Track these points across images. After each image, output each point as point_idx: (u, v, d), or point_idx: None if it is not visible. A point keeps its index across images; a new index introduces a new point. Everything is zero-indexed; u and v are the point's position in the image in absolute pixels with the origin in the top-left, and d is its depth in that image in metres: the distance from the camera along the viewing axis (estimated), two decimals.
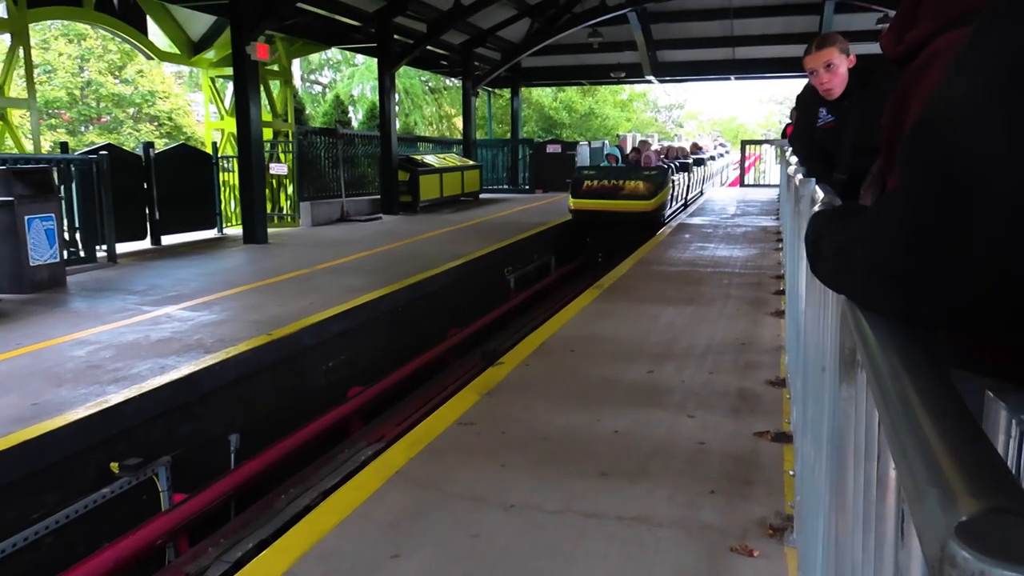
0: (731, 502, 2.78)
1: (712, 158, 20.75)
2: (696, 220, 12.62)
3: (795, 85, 37.91)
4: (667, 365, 4.43)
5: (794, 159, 4.71)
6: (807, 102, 3.75)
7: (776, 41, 18.30)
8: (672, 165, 13.32)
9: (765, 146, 21.94)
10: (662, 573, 2.33)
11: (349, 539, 2.52)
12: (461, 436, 3.41)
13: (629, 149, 17.35)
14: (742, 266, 7.93)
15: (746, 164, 22.00)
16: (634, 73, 20.07)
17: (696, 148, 19.28)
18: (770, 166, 20.49)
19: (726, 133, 45.11)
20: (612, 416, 3.61)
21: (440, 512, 2.70)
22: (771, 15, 17.41)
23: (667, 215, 12.48)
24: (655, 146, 17.56)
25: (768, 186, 19.65)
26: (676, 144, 20.26)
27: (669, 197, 12.32)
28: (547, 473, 3.01)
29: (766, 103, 50.35)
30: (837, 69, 3.36)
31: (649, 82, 21.30)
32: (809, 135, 3.79)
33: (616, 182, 11.78)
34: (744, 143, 22.99)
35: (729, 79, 21.42)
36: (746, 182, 21.61)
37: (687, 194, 15.60)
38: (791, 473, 2.92)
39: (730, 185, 23.41)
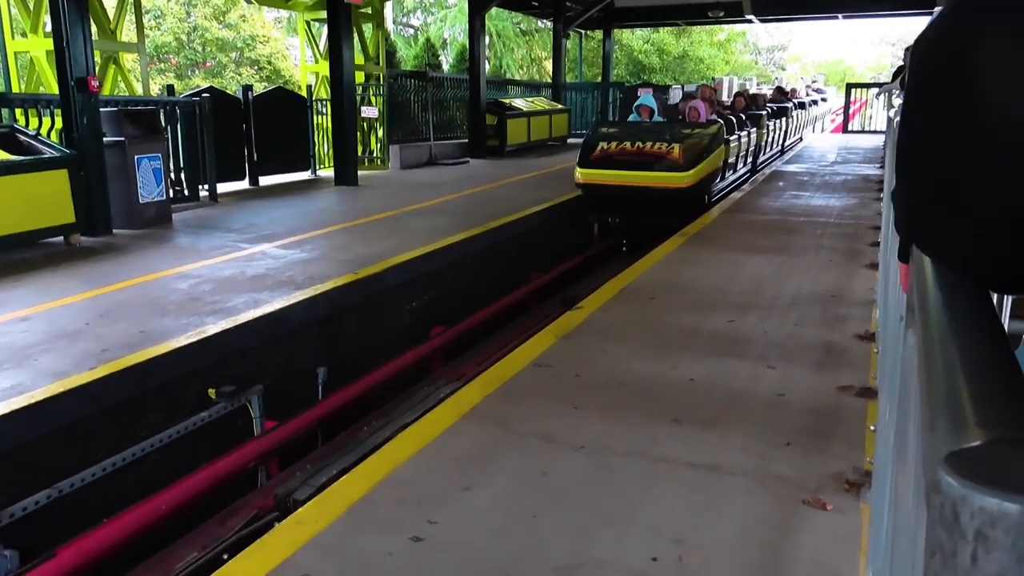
0: (807, 455, 2.73)
1: (802, 105, 17.19)
2: (791, 167, 12.10)
3: (911, 24, 35.39)
4: (750, 315, 4.33)
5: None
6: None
7: None
8: (736, 117, 10.33)
9: (873, 90, 20.67)
10: (731, 521, 2.33)
11: (423, 469, 2.62)
12: (536, 377, 3.46)
13: (727, 94, 16.60)
14: (838, 216, 7.59)
15: (851, 109, 20.80)
16: (733, 12, 19.14)
17: (781, 94, 16.51)
18: (877, 111, 19.32)
19: (832, 77, 42.68)
20: (689, 364, 3.58)
21: (511, 449, 2.77)
22: None
23: (722, 189, 9.42)
24: (726, 92, 15.86)
25: (874, 132, 18.57)
26: (753, 90, 18.19)
27: (724, 163, 9.04)
28: (619, 417, 3.03)
29: (877, 44, 47.22)
30: None
31: (749, 22, 20.32)
32: None
33: (642, 145, 8.41)
34: (849, 86, 21.71)
35: (837, 18, 20.13)
36: (851, 128, 20.47)
37: (784, 140, 14.36)
38: (872, 428, 2.84)
39: (833, 131, 22.23)
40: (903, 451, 1.03)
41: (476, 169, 12.34)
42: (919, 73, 0.53)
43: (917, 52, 0.53)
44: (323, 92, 12.08)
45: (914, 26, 35.59)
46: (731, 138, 9.39)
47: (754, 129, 11.26)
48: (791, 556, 2.15)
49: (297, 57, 15.76)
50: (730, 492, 2.48)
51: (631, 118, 9.83)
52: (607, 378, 3.42)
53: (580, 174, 8.54)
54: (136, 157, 7.15)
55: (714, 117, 9.49)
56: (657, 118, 9.42)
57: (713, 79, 24.20)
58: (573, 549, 2.17)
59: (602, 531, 2.25)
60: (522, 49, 28.89)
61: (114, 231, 6.90)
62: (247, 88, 10.23)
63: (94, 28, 7.96)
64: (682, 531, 2.25)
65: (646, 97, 9.88)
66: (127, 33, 9.46)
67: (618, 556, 2.14)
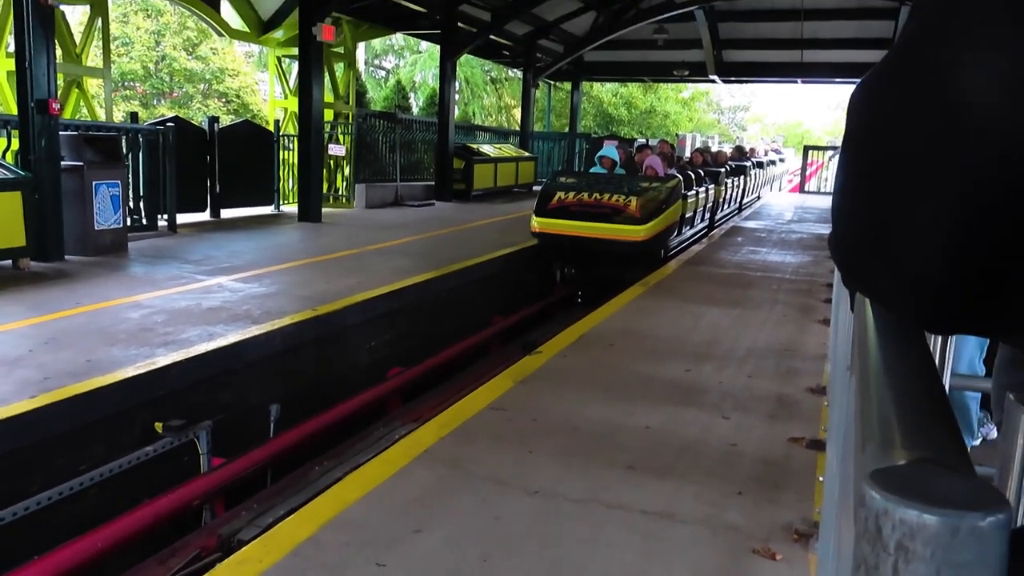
0: (758, 505, 2.74)
1: (760, 164, 17.76)
2: (750, 224, 12.40)
3: None
4: (706, 365, 4.38)
5: None
6: None
7: (848, 46, 17.82)
8: (695, 173, 10.46)
9: (829, 153, 21.43)
10: (682, 569, 2.32)
11: (373, 511, 2.57)
12: (492, 420, 3.44)
13: (688, 150, 17.07)
14: (793, 272, 7.77)
15: (808, 171, 21.50)
16: (698, 72, 19.80)
17: (740, 153, 17.21)
18: (833, 174, 19.99)
19: (791, 139, 44.15)
20: (645, 412, 3.60)
21: (464, 492, 2.73)
22: (844, 18, 16.97)
23: (678, 243, 9.38)
24: (688, 149, 16.33)
25: (829, 193, 19.17)
26: (715, 148, 18.78)
27: (681, 218, 9.03)
28: (574, 463, 3.02)
29: (835, 110, 49.06)
30: None
31: (713, 82, 20.98)
32: None
33: (600, 196, 8.33)
34: (807, 148, 22.49)
35: (796, 82, 20.97)
36: (807, 189, 21.12)
37: (742, 198, 14.67)
38: (822, 479, 2.87)
39: (791, 191, 22.91)
40: (846, 498, 1.05)
41: (441, 212, 12.39)
42: (855, 118, 0.55)
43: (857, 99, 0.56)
44: (291, 128, 12.10)
45: None
46: (689, 193, 9.44)
47: (712, 186, 11.37)
48: None
49: (266, 92, 15.80)
50: (682, 540, 2.48)
51: (592, 169, 9.88)
52: (563, 423, 3.42)
53: (536, 223, 8.48)
54: (94, 183, 7.03)
55: (673, 172, 9.59)
56: (618, 170, 9.46)
57: (677, 135, 24.86)
58: None
59: None
60: (492, 96, 29.36)
61: (67, 257, 6.75)
62: (213, 119, 10.19)
63: (59, 51, 7.89)
64: None
65: (608, 148, 9.91)
66: (93, 58, 9.39)
67: None
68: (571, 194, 8.46)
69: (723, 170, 12.63)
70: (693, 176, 10.14)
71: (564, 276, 9.07)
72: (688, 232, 9.93)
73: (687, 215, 9.41)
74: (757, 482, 2.92)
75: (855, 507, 0.33)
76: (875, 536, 0.31)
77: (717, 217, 12.22)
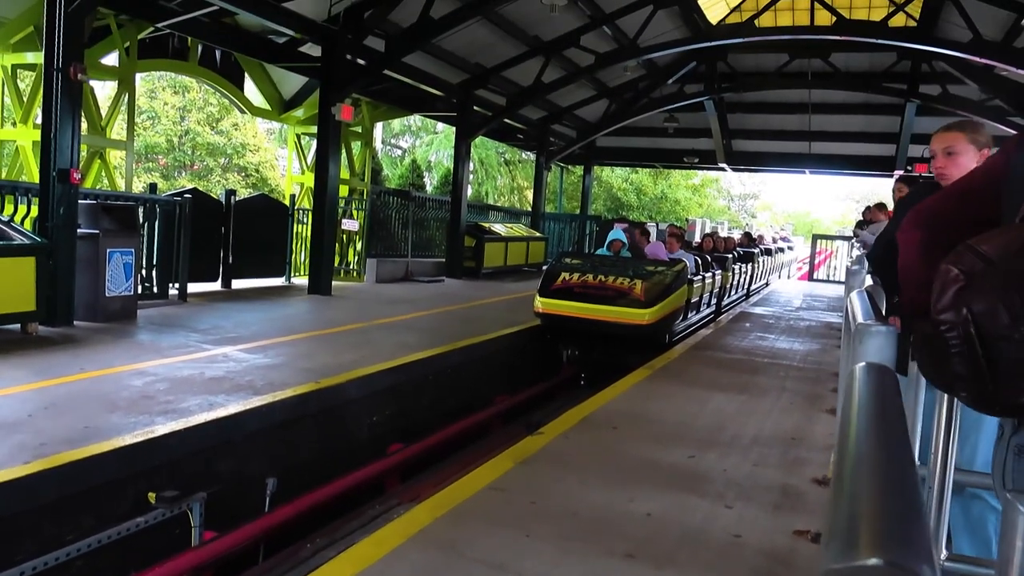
0: None
1: (768, 251, 17.84)
2: (758, 310, 12.38)
3: (874, 184, 37.42)
4: (710, 452, 4.30)
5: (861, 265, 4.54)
6: (909, 202, 3.27)
7: (855, 139, 18.21)
8: (702, 258, 10.45)
9: (838, 243, 21.59)
10: None
11: None
12: (490, 501, 3.36)
13: (698, 234, 17.25)
14: (801, 359, 7.71)
15: (817, 259, 21.61)
16: (708, 160, 20.19)
17: (749, 240, 17.33)
18: (842, 263, 20.09)
19: (800, 227, 44.62)
20: (646, 498, 3.51)
21: None
22: (851, 112, 17.39)
23: (684, 328, 9.25)
24: (697, 234, 16.40)
25: (838, 282, 19.22)
26: (724, 234, 18.92)
27: (687, 303, 8.96)
28: (572, 547, 2.93)
29: (843, 200, 49.77)
30: (957, 157, 2.99)
31: (722, 169, 21.38)
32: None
33: (604, 278, 8.29)
34: (815, 237, 22.66)
35: (804, 172, 21.32)
36: (816, 277, 21.18)
37: (749, 284, 14.62)
38: None
39: (800, 279, 22.96)
40: None
41: (451, 288, 12.47)
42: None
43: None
44: (306, 202, 12.35)
45: (876, 185, 37.64)
46: (695, 278, 9.36)
47: (719, 271, 11.28)
48: None
49: (285, 167, 16.20)
50: None
51: (600, 251, 9.77)
52: (562, 507, 3.34)
53: (540, 303, 8.38)
54: (108, 250, 7.14)
55: (679, 255, 9.51)
56: (624, 253, 9.41)
57: (687, 219, 25.15)
58: None
59: None
60: (505, 177, 29.96)
61: (75, 323, 6.79)
62: (230, 192, 10.41)
63: (84, 123, 8.15)
64: None
65: (617, 231, 9.87)
66: (118, 131, 9.69)
67: None
68: (576, 275, 8.41)
69: (731, 256, 12.54)
70: (700, 261, 10.06)
71: (569, 357, 8.95)
72: (694, 317, 9.81)
73: (693, 300, 9.31)
74: None
75: None
76: None
77: (724, 303, 12.13)
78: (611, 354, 8.31)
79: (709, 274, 10.43)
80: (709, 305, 10.80)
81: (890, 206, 8.37)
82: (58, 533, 3.55)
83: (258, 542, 4.20)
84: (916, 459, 2.67)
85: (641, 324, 7.95)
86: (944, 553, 2.05)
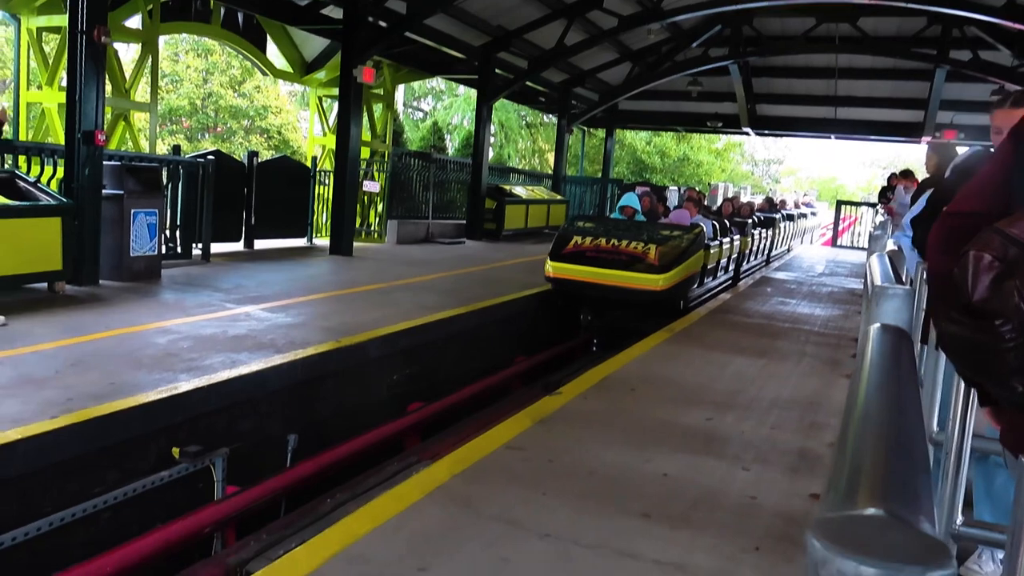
0: (775, 563, 2.66)
1: (790, 217, 17.35)
2: (780, 275, 12.27)
3: (900, 151, 36.64)
4: (728, 415, 4.30)
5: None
6: (969, 170, 3.14)
7: (882, 104, 17.80)
8: (721, 223, 10.17)
9: (863, 209, 21.25)
10: None
11: (379, 547, 2.54)
12: (508, 460, 3.40)
13: (720, 199, 17.01)
14: (822, 325, 7.65)
15: (840, 225, 21.31)
16: (731, 124, 19.84)
17: (770, 205, 16.98)
18: (866, 229, 19.79)
19: (824, 193, 43.87)
20: (663, 459, 3.53)
21: (474, 532, 2.69)
22: (878, 78, 16.96)
23: (699, 295, 9.00)
24: (719, 198, 16.00)
25: (861, 249, 18.96)
26: (746, 199, 18.52)
27: (703, 268, 8.73)
28: (588, 507, 2.96)
29: (868, 166, 48.77)
30: None
31: (746, 134, 21.02)
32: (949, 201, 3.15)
33: (618, 243, 8.05)
34: (840, 203, 22.33)
35: (829, 138, 20.91)
36: (840, 243, 20.90)
37: (769, 250, 14.35)
38: None
39: (823, 244, 22.68)
40: None
41: (471, 250, 12.47)
42: None
43: None
44: (327, 164, 12.35)
45: (902, 151, 36.87)
46: (712, 243, 9.12)
47: (738, 236, 11.00)
48: None
49: (307, 129, 16.18)
50: None
51: (613, 215, 9.47)
52: (579, 466, 3.37)
53: (551, 267, 8.15)
54: (133, 211, 7.21)
55: (697, 220, 9.26)
56: (639, 218, 9.16)
57: (709, 184, 24.84)
58: None
59: None
60: (526, 140, 29.70)
61: (101, 282, 6.89)
62: (252, 154, 10.43)
63: (109, 85, 8.18)
64: None
65: (629, 196, 9.57)
66: (142, 94, 9.72)
67: None
68: (588, 239, 8.18)
69: (750, 221, 12.25)
70: (718, 226, 9.82)
71: (583, 322, 8.83)
72: (710, 283, 9.58)
73: (709, 265, 9.08)
74: (775, 538, 2.83)
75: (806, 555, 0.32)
76: None
77: (743, 269, 11.90)
78: (624, 320, 8.15)
79: (727, 239, 10.16)
80: (727, 271, 10.54)
81: (917, 173, 8.20)
82: (85, 486, 3.65)
83: (279, 496, 4.29)
84: (936, 424, 2.66)
85: (655, 290, 7.75)
86: (960, 519, 2.05)
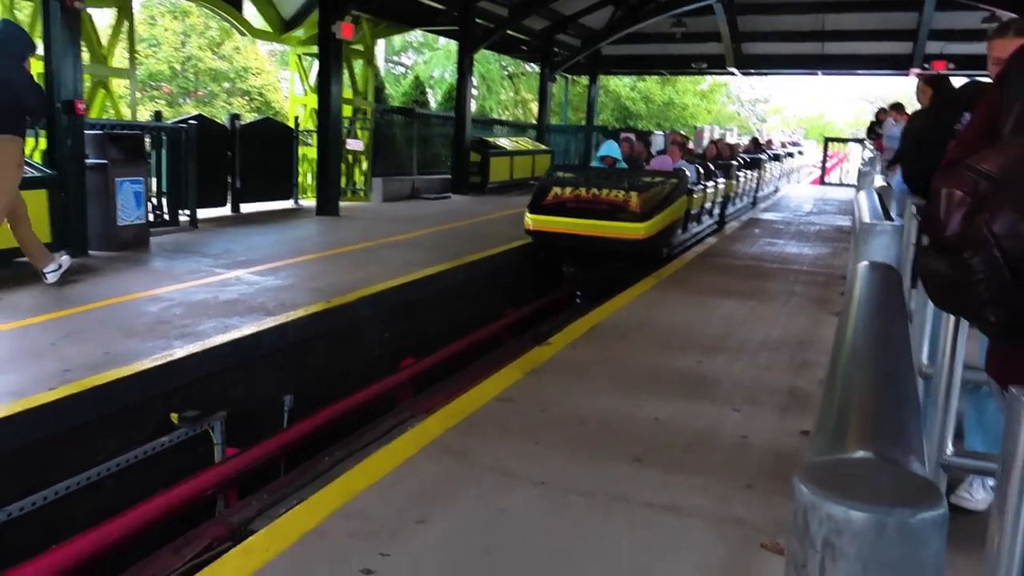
0: (768, 498, 2.72)
1: (777, 157, 16.94)
2: (768, 215, 12.28)
3: (889, 84, 36.33)
4: (718, 357, 4.35)
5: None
6: (958, 100, 3.14)
7: (870, 37, 17.56)
8: (704, 167, 9.85)
9: (851, 145, 21.17)
10: (687, 563, 2.31)
11: (377, 502, 2.58)
12: (500, 411, 3.44)
13: (706, 141, 16.89)
14: (810, 264, 7.69)
15: (828, 163, 21.26)
16: (716, 64, 19.60)
17: (756, 146, 16.51)
18: (855, 166, 19.76)
19: (812, 131, 43.64)
20: (654, 404, 3.58)
21: (469, 483, 2.73)
22: (866, 10, 16.70)
23: (683, 241, 8.79)
24: (705, 141, 15.86)
25: (850, 186, 18.95)
26: (733, 140, 18.29)
27: (686, 214, 8.49)
28: (581, 454, 3.01)
29: (856, 102, 48.41)
30: None
31: (732, 74, 20.79)
32: (937, 135, 3.10)
33: (599, 192, 7.77)
34: (827, 140, 22.24)
35: (816, 74, 20.71)
36: (828, 181, 20.89)
37: (756, 192, 14.07)
38: None
39: (811, 183, 22.67)
40: None
41: (457, 205, 12.40)
42: None
43: None
44: (310, 124, 12.15)
45: (891, 85, 36.59)
46: (695, 188, 8.89)
47: (723, 180, 10.75)
48: None
49: (288, 89, 15.88)
50: (689, 534, 2.46)
51: (594, 162, 9.07)
52: (571, 415, 3.41)
53: (530, 220, 7.88)
54: (118, 180, 7.10)
55: (680, 165, 9.03)
56: (621, 164, 8.89)
57: (695, 127, 24.65)
58: None
59: (556, 568, 2.22)
60: (509, 91, 29.28)
61: (90, 252, 6.82)
62: (234, 117, 10.26)
63: (86, 53, 7.97)
64: (637, 572, 2.22)
65: (609, 145, 9.22)
66: (120, 60, 9.47)
67: None
68: (568, 189, 7.88)
69: (735, 163, 11.92)
70: (702, 170, 9.58)
71: (566, 274, 8.62)
72: (695, 229, 9.38)
73: (693, 211, 8.87)
74: (767, 476, 2.89)
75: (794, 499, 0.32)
76: (803, 532, 0.30)
77: (728, 212, 11.62)
78: (607, 270, 7.98)
79: (711, 183, 9.92)
80: (711, 215, 10.33)
81: (908, 106, 8.15)
82: (87, 455, 3.67)
83: (279, 456, 4.33)
84: (924, 359, 2.70)
85: (637, 239, 7.51)
86: (950, 449, 2.09)
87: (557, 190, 7.92)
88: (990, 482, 2.94)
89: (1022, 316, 1.20)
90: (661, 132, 19.95)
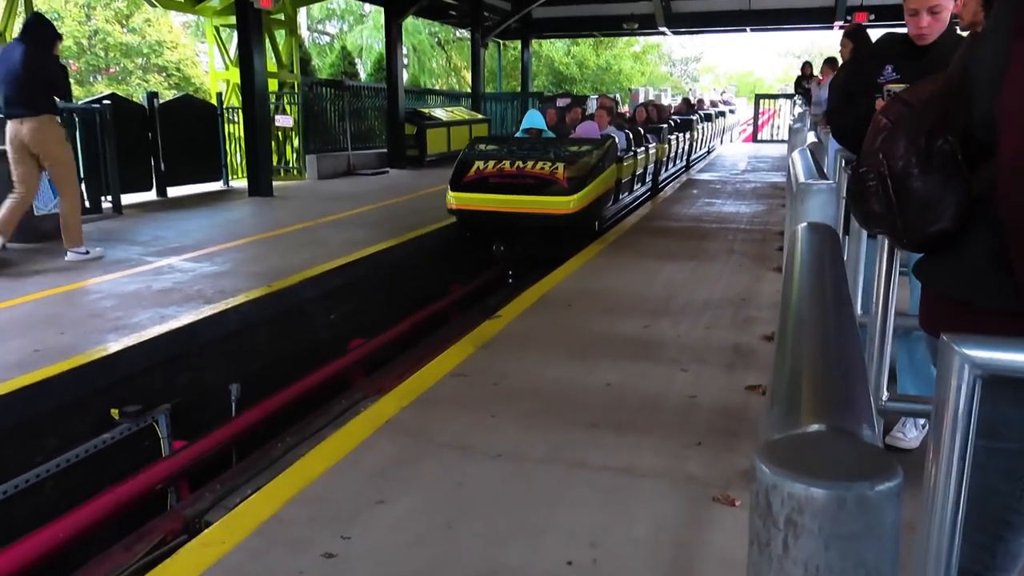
0: (717, 454, 2.80)
1: (708, 117, 16.58)
2: (705, 176, 12.48)
3: (815, 38, 37.07)
4: (664, 320, 4.43)
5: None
6: (877, 54, 3.15)
7: None
8: (634, 132, 9.39)
9: (781, 101, 21.59)
10: (644, 520, 2.36)
11: (336, 485, 2.56)
12: (453, 387, 3.44)
13: (640, 102, 16.98)
14: (748, 222, 7.86)
15: (760, 120, 21.66)
16: (647, 24, 19.65)
17: (688, 106, 16.40)
18: (785, 122, 20.18)
19: (743, 88, 44.33)
20: (605, 369, 3.63)
21: (427, 460, 2.74)
22: None
23: (616, 212, 8.37)
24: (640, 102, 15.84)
25: (782, 141, 19.37)
26: (667, 101, 18.34)
27: (617, 183, 7.96)
28: (536, 424, 3.04)
29: (784, 56, 49.33)
30: (941, 13, 2.78)
31: (663, 34, 20.89)
32: (861, 87, 3.10)
33: (523, 165, 7.21)
34: (758, 97, 22.61)
35: (745, 31, 20.96)
36: (760, 138, 21.30)
37: (689, 154, 13.84)
38: None
39: (744, 141, 23.08)
40: None
41: (396, 179, 12.23)
42: None
43: None
44: (235, 100, 11.76)
45: (817, 39, 37.32)
46: (626, 155, 8.40)
47: (655, 144, 10.32)
48: (701, 553, 2.20)
49: (207, 64, 15.29)
50: (644, 493, 2.52)
51: (518, 134, 8.57)
52: (524, 386, 3.43)
53: (452, 198, 7.25)
54: None
55: (609, 131, 8.61)
56: (547, 134, 8.36)
57: (629, 90, 24.75)
58: (487, 557, 2.16)
59: (517, 538, 2.25)
60: (440, 60, 28.86)
61: (7, 246, 6.49)
62: (152, 95, 9.86)
63: None
64: (597, 534, 2.27)
65: (532, 116, 8.65)
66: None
67: (533, 562, 2.14)
68: (491, 163, 7.29)
69: (666, 126, 11.55)
70: (632, 135, 9.13)
71: (496, 253, 8.05)
72: (627, 198, 8.91)
73: (624, 180, 8.34)
74: (716, 432, 2.97)
75: (751, 481, 0.33)
76: (766, 511, 0.30)
77: (662, 178, 11.28)
78: (537, 248, 7.54)
79: (642, 149, 9.44)
80: (644, 183, 9.85)
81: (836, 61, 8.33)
82: (24, 456, 3.54)
83: (229, 446, 4.26)
84: (859, 309, 2.79)
85: (567, 213, 7.00)
86: (886, 394, 2.18)
87: (479, 164, 7.35)
88: (921, 421, 3.09)
89: (898, 236, 1.36)
90: (595, 96, 19.97)
